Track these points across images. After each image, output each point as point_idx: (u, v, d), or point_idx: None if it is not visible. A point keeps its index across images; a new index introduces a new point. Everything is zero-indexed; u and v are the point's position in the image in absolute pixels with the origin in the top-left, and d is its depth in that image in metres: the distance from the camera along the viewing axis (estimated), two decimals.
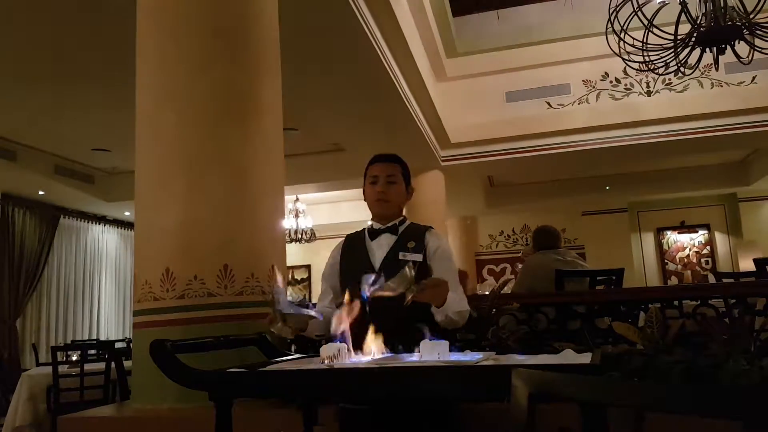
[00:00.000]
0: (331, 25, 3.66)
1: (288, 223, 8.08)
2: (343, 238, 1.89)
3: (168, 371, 1.24)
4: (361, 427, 1.53)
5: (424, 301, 1.48)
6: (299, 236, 8.33)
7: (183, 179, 2.19)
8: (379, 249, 1.76)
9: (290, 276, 10.69)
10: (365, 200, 1.85)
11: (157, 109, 2.29)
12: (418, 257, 1.72)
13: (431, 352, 1.21)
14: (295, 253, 10.24)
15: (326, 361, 1.23)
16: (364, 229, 1.85)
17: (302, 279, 10.94)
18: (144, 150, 2.31)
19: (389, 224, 1.79)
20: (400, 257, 1.71)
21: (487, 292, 2.67)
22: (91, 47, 4.13)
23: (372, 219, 1.84)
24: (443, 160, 6.61)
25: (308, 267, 10.85)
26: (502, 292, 2.50)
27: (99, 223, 8.73)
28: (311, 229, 8.49)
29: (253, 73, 2.35)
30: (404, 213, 1.86)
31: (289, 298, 1.47)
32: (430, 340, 1.24)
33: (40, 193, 7.34)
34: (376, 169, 1.81)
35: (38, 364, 5.85)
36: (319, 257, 10.92)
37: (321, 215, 9.42)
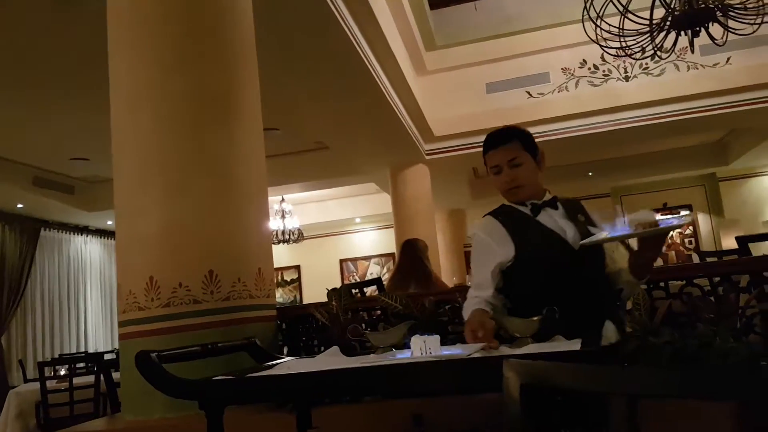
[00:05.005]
0: (308, 23, 3.62)
1: (275, 224, 8.02)
2: (486, 218, 1.58)
3: (155, 382, 1.21)
4: None
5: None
6: (287, 237, 8.28)
7: (162, 183, 2.15)
8: (560, 225, 1.51)
9: (280, 277, 10.62)
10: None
11: (133, 112, 2.24)
12: (600, 230, 1.47)
13: (422, 348, 1.20)
14: (283, 254, 10.17)
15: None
16: (503, 205, 1.57)
17: (292, 280, 10.87)
18: (121, 155, 2.26)
19: (545, 199, 1.55)
20: (592, 232, 1.48)
21: None
22: (64, 52, 4.03)
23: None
24: (427, 154, 6.61)
25: (297, 267, 10.79)
26: None
27: (81, 234, 8.58)
28: (299, 229, 8.44)
29: (230, 73, 2.31)
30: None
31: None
32: (420, 335, 1.23)
33: (19, 206, 7.18)
34: (493, 158, 1.55)
35: (26, 381, 5.75)
36: (308, 257, 10.86)
37: (309, 215, 9.36)
